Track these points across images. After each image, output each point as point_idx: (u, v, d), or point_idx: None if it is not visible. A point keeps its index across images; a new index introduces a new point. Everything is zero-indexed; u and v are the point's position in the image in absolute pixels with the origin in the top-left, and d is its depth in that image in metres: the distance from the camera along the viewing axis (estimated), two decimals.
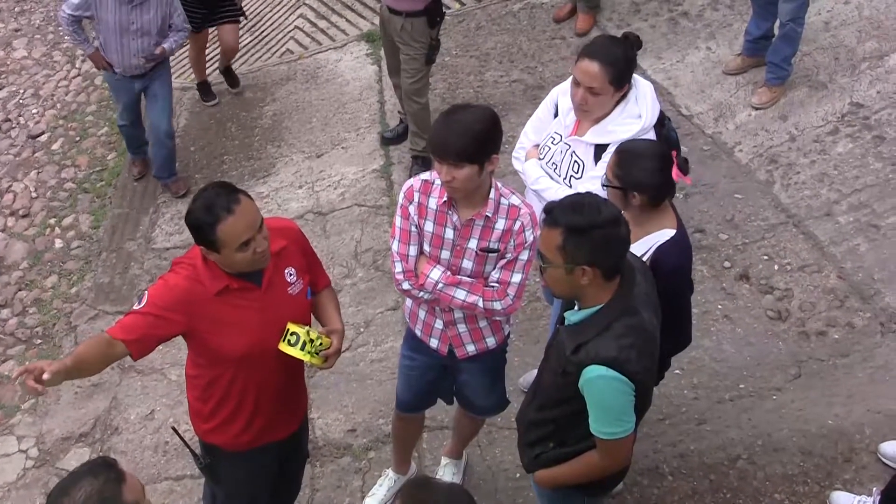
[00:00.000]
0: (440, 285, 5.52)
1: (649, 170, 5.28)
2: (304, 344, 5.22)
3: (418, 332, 5.99)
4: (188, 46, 11.06)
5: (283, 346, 5.23)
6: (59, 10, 9.53)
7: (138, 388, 8.47)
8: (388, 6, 9.09)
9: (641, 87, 6.03)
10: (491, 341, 5.91)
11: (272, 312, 5.24)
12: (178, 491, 7.60)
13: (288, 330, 5.24)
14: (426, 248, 5.58)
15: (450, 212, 5.44)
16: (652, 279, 4.94)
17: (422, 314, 5.90)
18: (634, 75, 6.06)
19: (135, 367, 8.61)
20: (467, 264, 5.53)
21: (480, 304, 5.51)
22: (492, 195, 5.40)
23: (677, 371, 7.37)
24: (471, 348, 5.90)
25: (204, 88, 11.61)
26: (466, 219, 5.43)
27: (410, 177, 9.45)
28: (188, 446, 5.67)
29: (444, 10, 9.14)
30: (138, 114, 10.32)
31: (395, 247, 5.61)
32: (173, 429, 5.76)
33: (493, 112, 5.35)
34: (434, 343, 5.93)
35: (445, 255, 5.54)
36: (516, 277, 5.49)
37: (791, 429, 7.08)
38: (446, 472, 7.01)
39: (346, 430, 7.70)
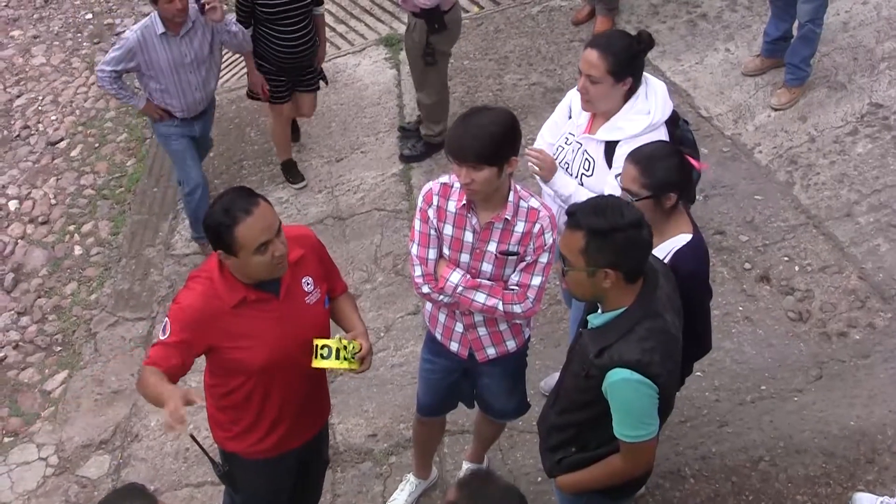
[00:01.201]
0: (460, 288, 5.52)
1: (674, 167, 5.27)
2: (338, 352, 5.21)
3: (438, 336, 5.99)
4: (271, 122, 10.24)
5: (318, 363, 5.24)
6: (97, 71, 8.95)
7: None
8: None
9: (653, 85, 6.05)
10: (511, 344, 5.91)
11: (290, 322, 5.25)
12: (198, 498, 7.61)
13: (317, 346, 5.24)
14: (445, 251, 5.59)
15: (469, 215, 5.44)
16: (674, 281, 4.94)
17: (442, 318, 5.90)
18: (648, 75, 6.07)
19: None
20: (487, 267, 5.54)
21: (500, 307, 5.51)
22: (511, 198, 5.41)
23: (698, 373, 7.35)
24: (491, 352, 5.90)
25: (289, 168, 10.42)
26: (486, 222, 5.44)
27: (401, 147, 10.05)
28: (207, 454, 5.65)
29: (445, 22, 9.20)
30: (200, 165, 9.62)
31: (414, 250, 5.62)
32: (192, 437, 5.75)
33: (512, 114, 5.38)
34: (454, 346, 5.93)
35: (465, 258, 5.55)
36: (536, 280, 5.50)
37: (813, 430, 7.08)
38: None
39: (367, 435, 7.70)
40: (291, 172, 10.36)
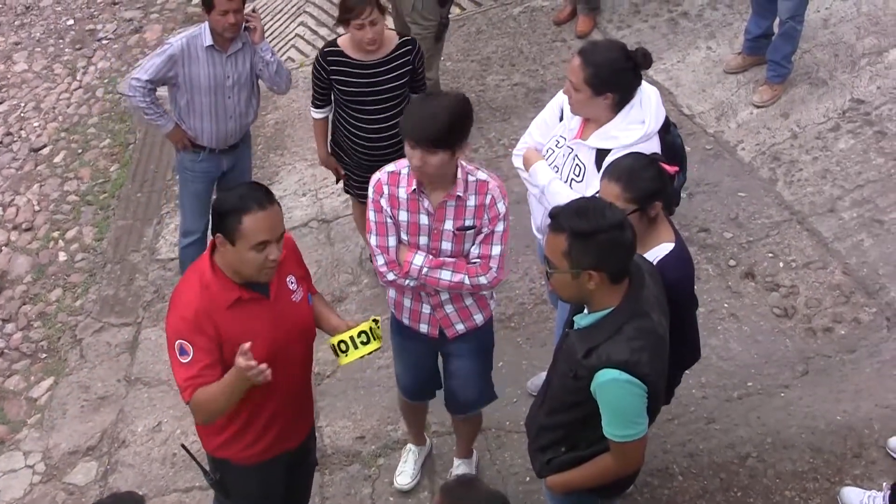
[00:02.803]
0: (425, 269, 5.65)
1: (655, 176, 5.25)
2: (353, 341, 5.41)
3: (406, 321, 6.12)
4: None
5: (346, 359, 5.46)
6: (129, 81, 8.16)
7: (145, 400, 8.45)
8: None
9: (646, 92, 6.00)
10: (479, 318, 6.05)
11: (281, 322, 5.27)
12: (186, 503, 7.59)
13: (334, 345, 5.43)
14: (404, 236, 5.71)
15: (420, 198, 5.57)
16: (660, 281, 4.94)
17: (407, 302, 6.03)
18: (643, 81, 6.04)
19: (141, 378, 8.61)
20: (446, 246, 5.67)
21: (467, 281, 5.66)
22: (459, 175, 5.54)
23: (685, 371, 7.36)
24: (460, 327, 6.04)
25: None
26: (438, 202, 5.56)
27: None
28: (198, 463, 5.64)
29: None
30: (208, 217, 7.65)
31: (373, 240, 5.73)
32: (183, 446, 5.75)
33: (466, 99, 5.50)
34: (424, 328, 6.07)
35: (423, 240, 5.67)
36: (496, 250, 5.65)
37: (800, 426, 7.09)
38: (460, 472, 7.01)
39: (355, 437, 7.70)
40: None
